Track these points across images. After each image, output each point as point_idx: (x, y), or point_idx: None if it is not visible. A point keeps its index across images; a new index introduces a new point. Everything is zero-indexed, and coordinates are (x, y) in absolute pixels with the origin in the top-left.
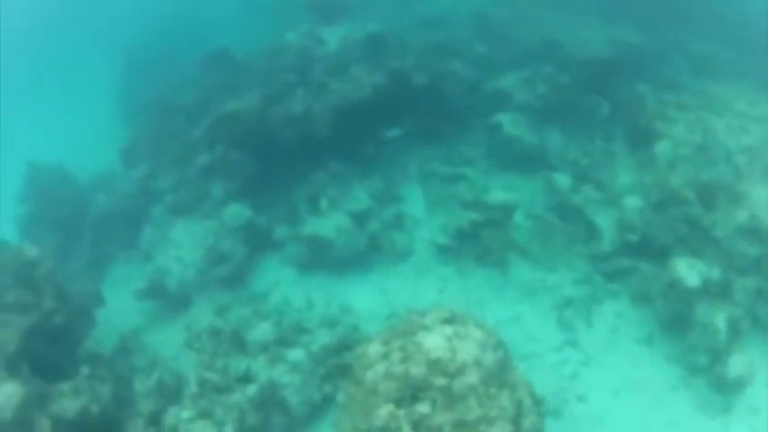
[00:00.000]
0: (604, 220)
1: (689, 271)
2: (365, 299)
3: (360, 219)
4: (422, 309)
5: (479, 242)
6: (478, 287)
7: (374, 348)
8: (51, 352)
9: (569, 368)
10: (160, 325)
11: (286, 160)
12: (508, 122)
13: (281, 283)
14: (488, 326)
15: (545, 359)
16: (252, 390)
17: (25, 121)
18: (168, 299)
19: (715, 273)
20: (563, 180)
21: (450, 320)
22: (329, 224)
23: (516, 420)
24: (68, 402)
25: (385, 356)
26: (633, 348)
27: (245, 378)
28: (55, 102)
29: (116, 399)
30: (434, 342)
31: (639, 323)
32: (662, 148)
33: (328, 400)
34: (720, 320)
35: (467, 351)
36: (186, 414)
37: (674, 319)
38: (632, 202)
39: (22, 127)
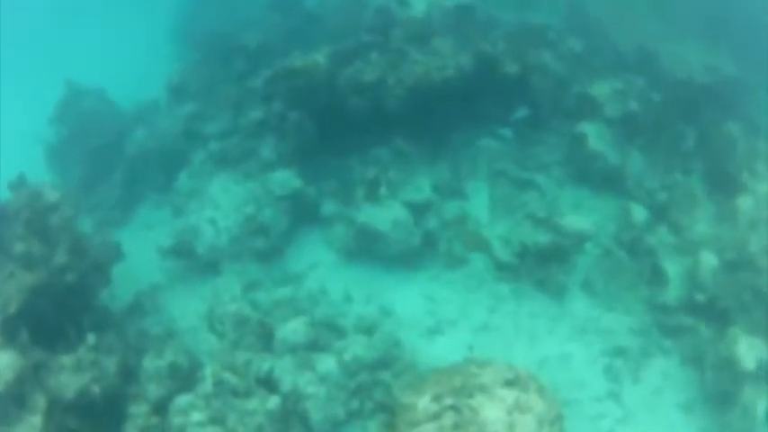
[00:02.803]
0: (674, 269)
1: (748, 352)
2: (408, 304)
3: (418, 212)
4: (482, 360)
5: (542, 266)
6: (532, 316)
7: (424, 403)
8: (57, 313)
9: (607, 423)
10: (181, 288)
11: (348, 129)
12: (594, 135)
13: (319, 265)
14: (549, 394)
15: (585, 409)
16: (273, 399)
17: (71, 40)
18: (194, 262)
19: None
20: (640, 213)
21: (511, 383)
22: (385, 215)
23: None
24: (68, 379)
25: (435, 417)
26: (671, 413)
27: (267, 381)
28: (105, 23)
29: (122, 371)
30: (493, 414)
31: (684, 387)
32: (745, 205)
33: (352, 417)
34: (761, 407)
35: (525, 428)
36: (197, 417)
37: (719, 393)
38: (707, 258)
39: (67, 46)
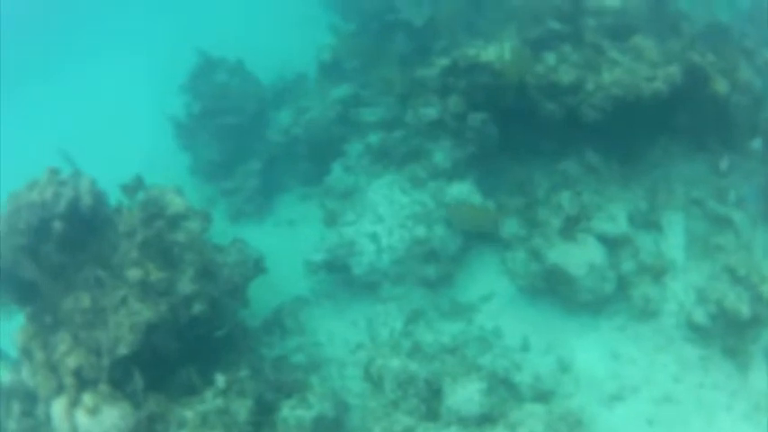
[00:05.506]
0: None
1: None
2: (591, 359)
3: (613, 248)
4: None
5: (735, 333)
6: (715, 388)
7: None
8: (179, 348)
9: None
10: (329, 306)
11: (533, 136)
12: None
13: (493, 297)
14: None
15: None
16: None
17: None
18: (348, 279)
19: None
20: None
21: None
22: (580, 257)
23: None
24: None
25: None
26: None
27: None
28: None
29: (256, 416)
30: None
31: None
32: None
33: None
34: None
35: None
36: None
37: None
38: None
39: (202, 10)
